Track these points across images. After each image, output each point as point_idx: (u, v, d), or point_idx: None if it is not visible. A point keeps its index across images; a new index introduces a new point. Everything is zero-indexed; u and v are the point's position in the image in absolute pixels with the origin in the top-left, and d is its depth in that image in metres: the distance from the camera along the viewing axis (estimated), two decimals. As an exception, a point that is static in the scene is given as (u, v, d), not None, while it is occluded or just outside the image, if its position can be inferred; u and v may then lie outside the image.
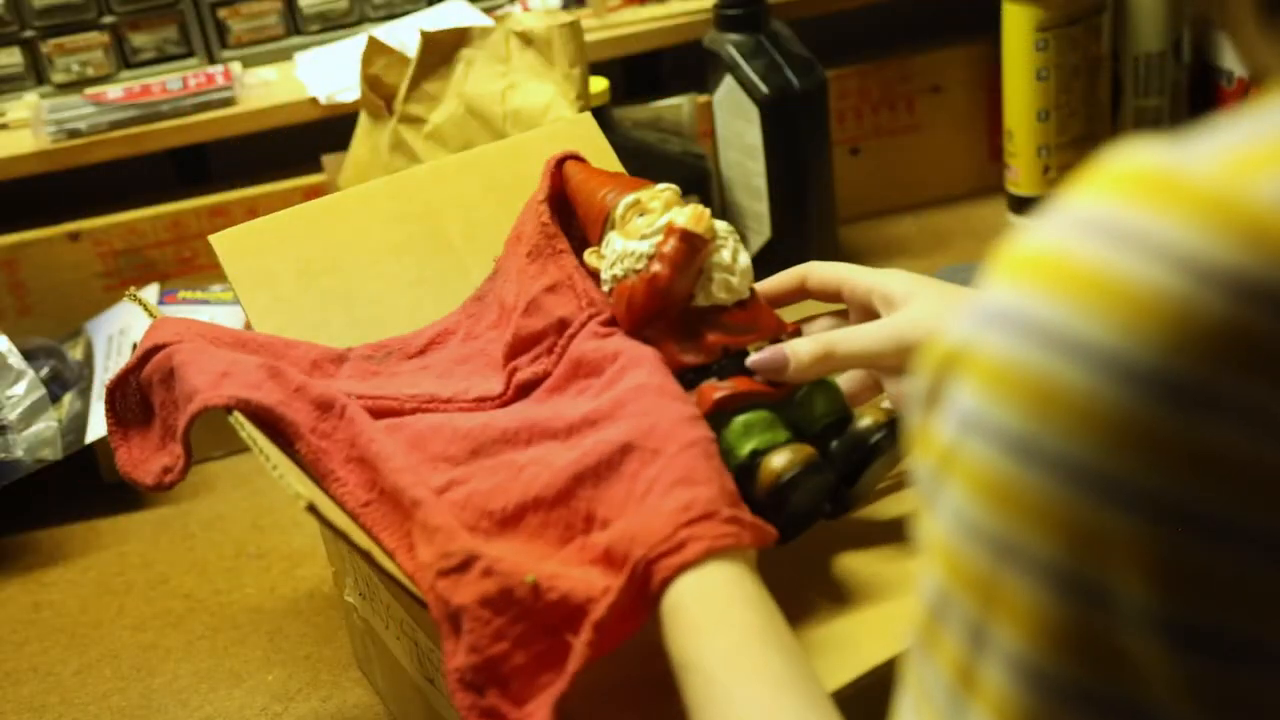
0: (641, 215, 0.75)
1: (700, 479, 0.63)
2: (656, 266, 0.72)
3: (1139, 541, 0.35)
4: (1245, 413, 0.34)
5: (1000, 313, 0.37)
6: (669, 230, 0.73)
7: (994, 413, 0.36)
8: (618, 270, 0.74)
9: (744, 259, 0.74)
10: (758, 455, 0.69)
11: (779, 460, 0.68)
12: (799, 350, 0.71)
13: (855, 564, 0.72)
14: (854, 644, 0.66)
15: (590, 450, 0.67)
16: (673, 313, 0.73)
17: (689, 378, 0.72)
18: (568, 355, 0.76)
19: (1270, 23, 0.38)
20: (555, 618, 0.62)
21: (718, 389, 0.71)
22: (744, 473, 0.68)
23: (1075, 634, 0.36)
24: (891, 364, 0.71)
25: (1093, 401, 0.34)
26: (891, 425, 0.70)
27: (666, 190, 0.77)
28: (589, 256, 0.78)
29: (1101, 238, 0.35)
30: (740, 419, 0.70)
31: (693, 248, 0.72)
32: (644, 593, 0.61)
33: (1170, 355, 0.34)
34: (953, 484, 0.38)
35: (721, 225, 0.75)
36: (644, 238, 0.74)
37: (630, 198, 0.76)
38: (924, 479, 0.40)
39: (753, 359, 0.72)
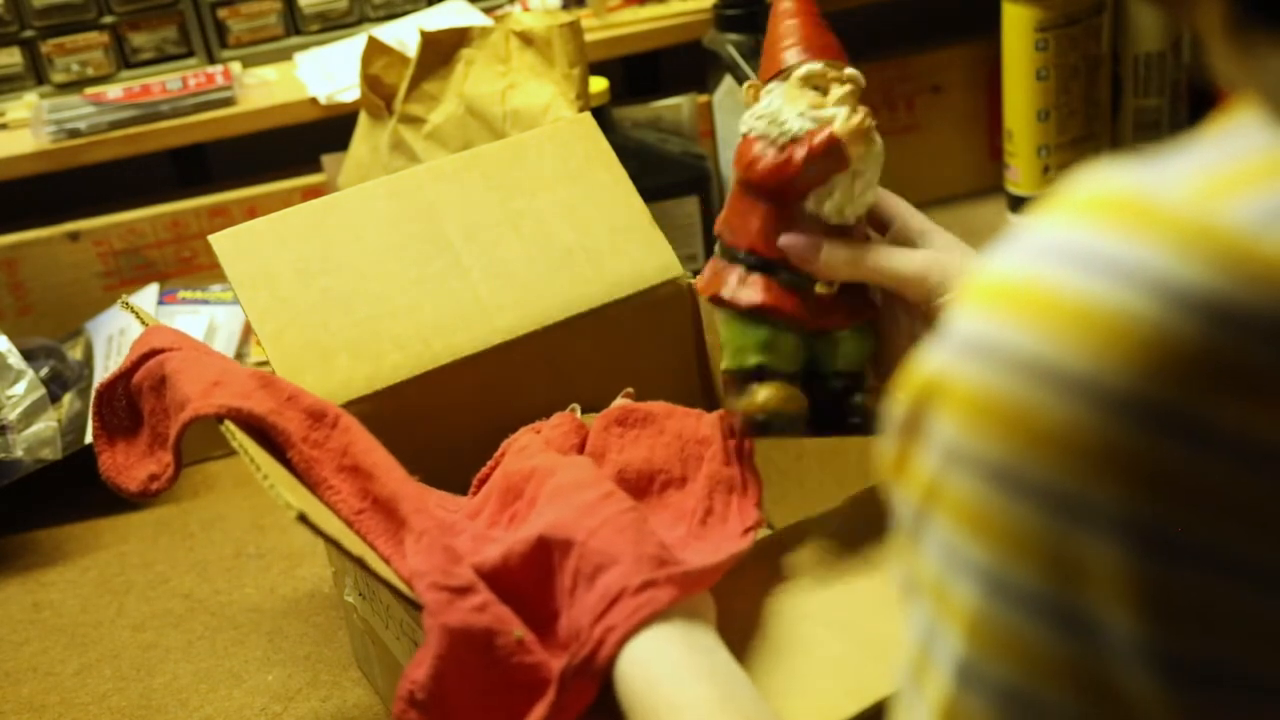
0: (814, 89, 0.73)
1: (612, 558, 0.63)
2: (796, 152, 0.71)
3: (1123, 570, 0.34)
4: (1222, 437, 0.33)
5: (976, 342, 0.36)
6: (826, 128, 0.71)
7: (975, 444, 0.36)
8: (759, 125, 0.73)
9: (869, 196, 0.73)
10: (762, 371, 0.70)
11: (761, 395, 0.69)
12: (835, 248, 0.72)
13: (859, 593, 0.72)
14: (857, 674, 0.65)
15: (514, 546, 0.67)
16: (778, 198, 0.72)
17: (753, 262, 0.72)
18: (493, 487, 0.75)
19: (1238, 37, 0.37)
20: (523, 679, 0.62)
21: (763, 292, 0.71)
22: (741, 377, 0.70)
23: (1066, 667, 0.36)
24: (914, 293, 0.72)
25: (1071, 429, 0.34)
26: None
27: (850, 83, 0.74)
28: (747, 90, 0.75)
29: (1074, 263, 0.35)
30: (768, 330, 0.71)
31: (835, 159, 0.71)
32: (580, 693, 0.61)
33: (1146, 380, 0.33)
34: (938, 518, 0.38)
35: (875, 152, 0.73)
36: (802, 115, 0.72)
37: (815, 67, 0.73)
38: (908, 515, 0.39)
39: (785, 238, 0.72)
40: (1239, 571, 0.34)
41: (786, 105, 0.72)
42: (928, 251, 0.73)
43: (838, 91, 0.72)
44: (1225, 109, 0.39)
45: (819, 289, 0.73)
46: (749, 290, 0.72)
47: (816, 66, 0.73)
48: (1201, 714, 0.35)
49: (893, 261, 0.72)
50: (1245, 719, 0.35)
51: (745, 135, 0.73)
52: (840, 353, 0.74)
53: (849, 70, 0.74)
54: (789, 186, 0.72)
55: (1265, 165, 0.35)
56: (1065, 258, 0.35)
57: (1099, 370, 0.34)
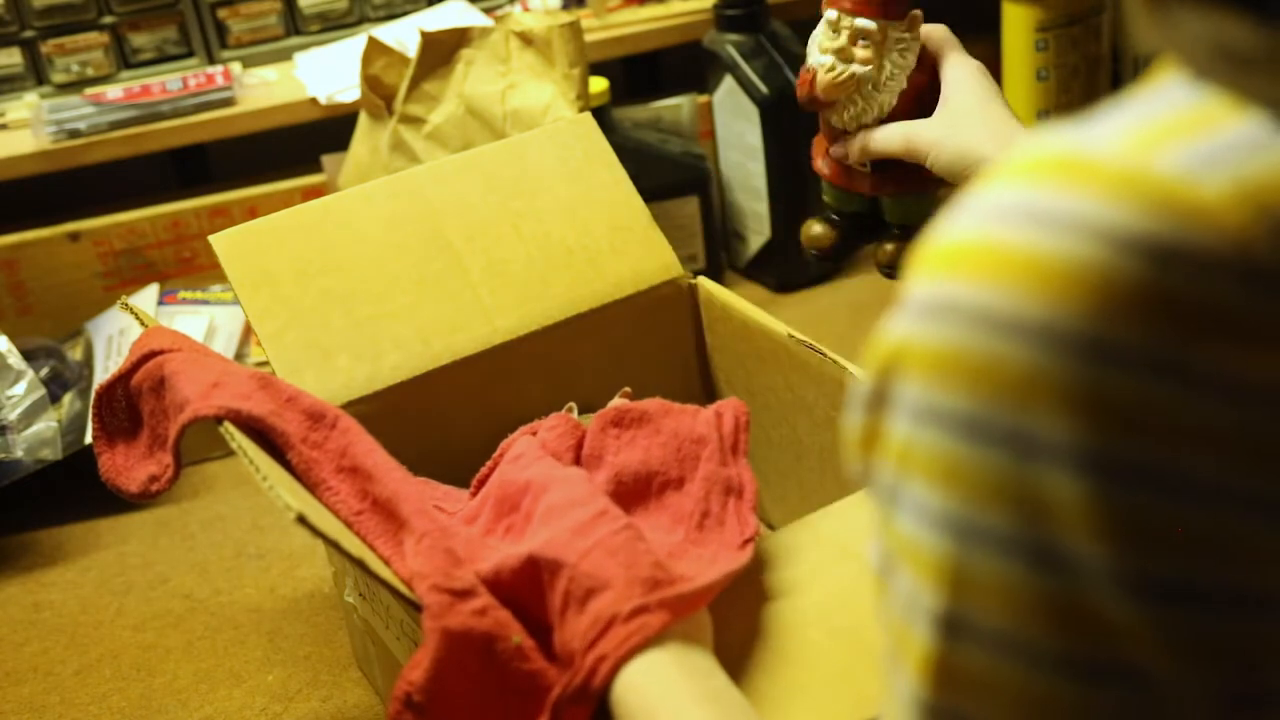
0: (834, 31, 0.82)
1: (603, 582, 0.62)
2: (801, 87, 0.85)
3: (1084, 500, 0.36)
4: (1169, 368, 0.35)
5: (935, 304, 0.38)
6: (810, 76, 0.84)
7: (942, 398, 0.38)
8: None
9: (876, 109, 0.83)
10: (825, 209, 0.91)
11: (805, 231, 0.92)
12: (840, 146, 0.86)
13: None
14: (859, 684, 0.64)
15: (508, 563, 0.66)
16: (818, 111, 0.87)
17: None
18: (489, 494, 0.75)
19: (1156, 6, 0.40)
20: (521, 685, 0.62)
21: (825, 167, 0.89)
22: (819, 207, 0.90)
23: (1047, 603, 0.37)
24: (930, 163, 0.81)
25: (1029, 372, 0.36)
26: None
27: (846, 31, 0.82)
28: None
29: (1021, 221, 0.37)
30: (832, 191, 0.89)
31: (813, 102, 0.85)
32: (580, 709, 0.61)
33: (1094, 320, 0.35)
34: (912, 479, 0.39)
35: (867, 89, 0.83)
36: (813, 55, 0.84)
37: (830, 15, 0.83)
38: (883, 487, 0.41)
39: (833, 149, 0.87)
40: (1193, 491, 0.36)
41: (813, 42, 0.84)
42: (910, 135, 0.81)
43: (830, 43, 0.83)
44: (1151, 72, 0.41)
45: (855, 166, 0.87)
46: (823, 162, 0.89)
47: (831, 14, 0.83)
48: (1182, 628, 0.36)
49: (876, 143, 0.83)
50: (1226, 628, 0.37)
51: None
52: (888, 208, 0.88)
53: (858, 21, 0.82)
54: (812, 106, 0.86)
55: (1191, 118, 0.37)
56: (1011, 216, 0.37)
57: (1051, 315, 0.36)
